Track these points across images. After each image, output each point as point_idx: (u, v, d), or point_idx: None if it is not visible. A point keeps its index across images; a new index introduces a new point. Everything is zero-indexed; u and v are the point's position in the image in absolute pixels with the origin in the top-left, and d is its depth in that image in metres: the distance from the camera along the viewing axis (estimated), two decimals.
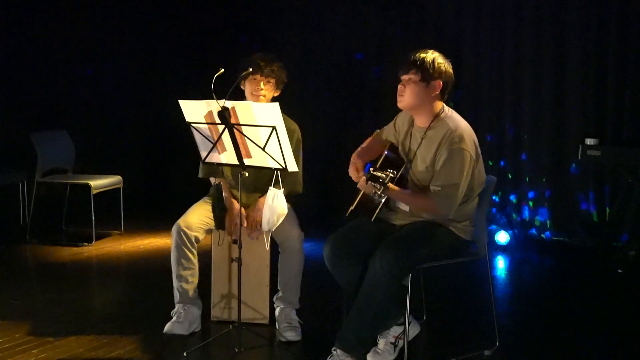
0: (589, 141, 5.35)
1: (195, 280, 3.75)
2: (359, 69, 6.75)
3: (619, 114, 5.62)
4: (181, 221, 3.70)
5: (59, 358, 3.39)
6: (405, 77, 3.22)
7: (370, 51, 6.68)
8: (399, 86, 3.25)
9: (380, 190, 2.93)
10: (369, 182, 2.94)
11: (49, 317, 3.95)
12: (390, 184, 2.98)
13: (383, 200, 3.21)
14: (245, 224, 3.70)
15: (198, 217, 3.73)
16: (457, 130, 3.17)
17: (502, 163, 6.15)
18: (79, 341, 3.59)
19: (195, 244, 3.70)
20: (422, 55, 3.21)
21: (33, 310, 4.06)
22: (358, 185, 3.17)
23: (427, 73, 3.18)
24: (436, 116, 3.25)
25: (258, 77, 3.69)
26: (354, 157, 3.37)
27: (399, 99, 3.26)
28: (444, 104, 3.30)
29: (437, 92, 3.22)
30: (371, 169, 2.95)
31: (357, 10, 6.68)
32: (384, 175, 2.91)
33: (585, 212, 5.80)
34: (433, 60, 3.19)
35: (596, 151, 5.28)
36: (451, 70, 3.26)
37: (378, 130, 3.61)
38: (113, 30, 6.99)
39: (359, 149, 3.44)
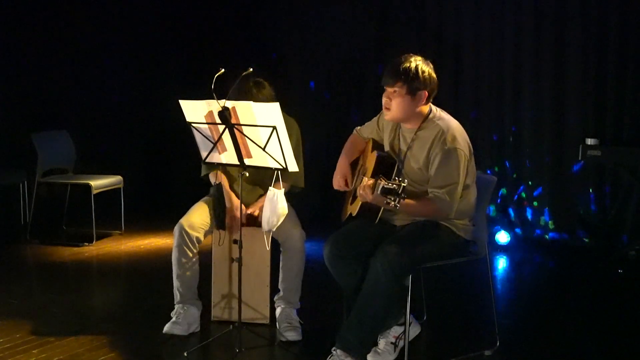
0: (589, 141, 5.35)
1: (196, 280, 3.75)
2: (359, 69, 6.74)
3: (619, 114, 5.62)
4: (184, 221, 3.69)
5: (59, 358, 3.39)
6: (390, 90, 3.19)
7: (371, 51, 6.68)
8: (385, 98, 3.21)
9: (396, 202, 2.82)
10: (382, 195, 2.84)
11: (49, 317, 3.96)
12: (405, 195, 2.86)
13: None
14: (245, 219, 3.70)
15: (200, 217, 3.73)
16: (449, 130, 3.17)
17: (502, 163, 6.14)
18: (79, 341, 3.59)
19: (197, 244, 3.70)
20: (406, 64, 3.15)
21: (33, 310, 4.06)
22: (369, 200, 3.02)
23: (412, 85, 3.14)
24: (425, 118, 3.25)
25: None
26: (342, 166, 3.41)
27: (385, 112, 3.25)
28: (431, 104, 3.28)
29: (423, 102, 3.21)
30: (381, 181, 2.84)
31: (357, 10, 6.69)
32: (395, 186, 2.81)
33: (586, 212, 5.80)
34: (417, 70, 3.14)
35: (596, 151, 5.27)
36: (434, 76, 3.21)
37: (358, 128, 3.60)
38: (113, 30, 6.99)
39: (342, 154, 3.46)
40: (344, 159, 3.49)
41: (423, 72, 3.16)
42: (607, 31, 5.60)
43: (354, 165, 3.52)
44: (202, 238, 3.72)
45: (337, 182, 3.43)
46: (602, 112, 5.67)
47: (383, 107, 3.26)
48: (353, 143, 3.57)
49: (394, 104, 3.19)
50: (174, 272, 3.72)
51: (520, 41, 5.96)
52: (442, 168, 3.14)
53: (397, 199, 2.82)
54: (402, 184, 2.82)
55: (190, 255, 3.68)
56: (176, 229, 3.69)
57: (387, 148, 3.40)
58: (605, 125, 5.66)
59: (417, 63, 3.16)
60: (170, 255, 3.75)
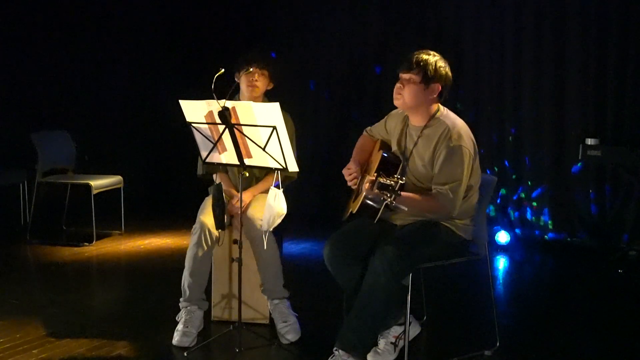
0: (589, 141, 5.35)
1: (206, 279, 3.72)
2: (359, 69, 6.75)
3: (619, 114, 5.62)
4: (206, 219, 3.63)
5: (59, 358, 3.39)
6: (405, 76, 3.23)
7: (371, 51, 6.69)
8: (398, 84, 3.25)
9: (392, 198, 2.86)
10: (378, 190, 2.87)
11: (49, 317, 3.95)
12: (401, 192, 2.91)
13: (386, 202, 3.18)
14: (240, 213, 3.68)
15: None
16: (455, 128, 3.19)
17: (502, 163, 6.15)
18: (79, 341, 3.59)
19: (215, 244, 3.68)
20: (425, 56, 3.22)
21: (33, 310, 4.06)
22: (365, 193, 3.10)
23: (428, 75, 3.19)
24: (432, 116, 3.27)
25: (253, 69, 3.73)
26: (350, 165, 3.39)
27: (396, 97, 3.26)
28: (440, 104, 3.31)
29: (435, 96, 3.24)
30: (380, 178, 2.87)
31: (357, 11, 6.69)
32: (392, 183, 2.84)
33: (586, 212, 5.80)
34: (435, 63, 3.21)
35: (596, 151, 5.28)
36: (450, 75, 3.27)
37: (369, 128, 3.62)
38: (113, 30, 7.00)
39: (350, 162, 3.43)
40: (352, 160, 3.47)
41: (440, 66, 3.22)
42: (607, 31, 5.60)
43: (363, 165, 3.53)
44: (219, 238, 3.70)
45: (345, 173, 3.41)
46: (602, 112, 5.67)
47: (394, 94, 3.26)
48: (362, 144, 3.56)
49: (406, 90, 3.22)
50: (188, 269, 3.67)
51: (520, 41, 5.96)
52: (446, 165, 3.15)
53: (393, 196, 2.84)
54: (400, 182, 2.85)
55: (208, 253, 3.66)
56: (197, 227, 3.65)
57: (394, 147, 3.41)
58: (605, 125, 5.66)
59: (436, 58, 3.24)
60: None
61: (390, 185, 2.84)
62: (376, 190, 2.88)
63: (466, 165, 3.15)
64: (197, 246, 3.65)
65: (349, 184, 3.40)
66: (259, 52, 3.86)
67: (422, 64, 3.19)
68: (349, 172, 3.38)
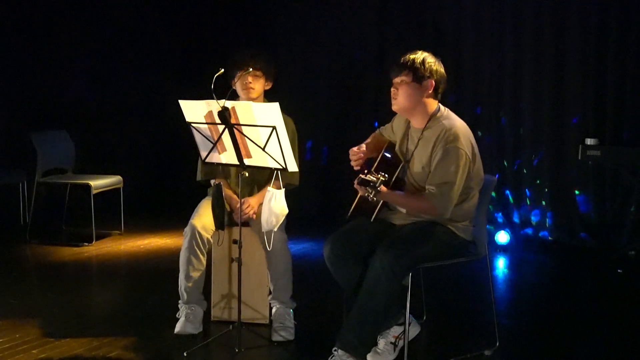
0: (589, 141, 5.35)
1: (202, 281, 3.73)
2: (359, 69, 6.75)
3: (619, 114, 5.62)
4: (197, 222, 3.65)
5: (59, 358, 3.39)
6: (397, 80, 3.24)
7: (370, 51, 6.69)
8: (392, 89, 3.27)
9: (372, 194, 2.93)
10: (360, 185, 2.95)
11: (49, 317, 3.95)
12: (382, 187, 2.97)
13: (381, 201, 3.22)
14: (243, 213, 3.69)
15: (210, 218, 3.68)
16: (452, 129, 3.18)
17: (501, 163, 6.15)
18: (79, 341, 3.59)
19: (208, 245, 3.69)
20: (412, 56, 3.23)
21: (33, 310, 4.06)
22: (355, 187, 3.16)
23: (418, 73, 3.20)
24: (432, 116, 3.27)
25: (245, 72, 3.69)
26: (360, 148, 3.37)
27: (393, 102, 3.28)
28: (440, 104, 3.31)
29: (430, 92, 3.24)
30: (361, 175, 2.93)
31: (357, 10, 6.69)
32: (374, 179, 2.90)
33: (585, 212, 5.80)
34: (423, 60, 3.21)
35: (596, 151, 5.28)
36: (442, 69, 3.27)
37: (381, 128, 3.63)
38: (113, 29, 7.00)
39: (363, 145, 3.43)
40: (364, 143, 3.45)
41: (429, 62, 3.22)
42: (607, 31, 5.60)
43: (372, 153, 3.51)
44: (211, 239, 3.71)
45: (352, 151, 3.39)
46: (602, 112, 5.67)
47: (391, 99, 3.28)
48: (375, 136, 3.56)
49: (400, 92, 3.23)
50: (182, 273, 3.68)
51: (520, 41, 5.97)
52: (441, 166, 3.15)
53: (373, 192, 2.93)
54: (381, 179, 2.91)
55: (201, 256, 3.66)
56: (188, 230, 3.66)
57: (397, 148, 3.42)
58: (605, 125, 5.66)
59: (424, 55, 3.24)
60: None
61: (371, 181, 2.91)
62: (358, 186, 2.97)
63: (461, 166, 3.14)
64: (188, 250, 3.66)
65: (352, 163, 3.38)
66: (248, 53, 3.78)
67: (409, 63, 3.21)
68: (356, 152, 3.34)
